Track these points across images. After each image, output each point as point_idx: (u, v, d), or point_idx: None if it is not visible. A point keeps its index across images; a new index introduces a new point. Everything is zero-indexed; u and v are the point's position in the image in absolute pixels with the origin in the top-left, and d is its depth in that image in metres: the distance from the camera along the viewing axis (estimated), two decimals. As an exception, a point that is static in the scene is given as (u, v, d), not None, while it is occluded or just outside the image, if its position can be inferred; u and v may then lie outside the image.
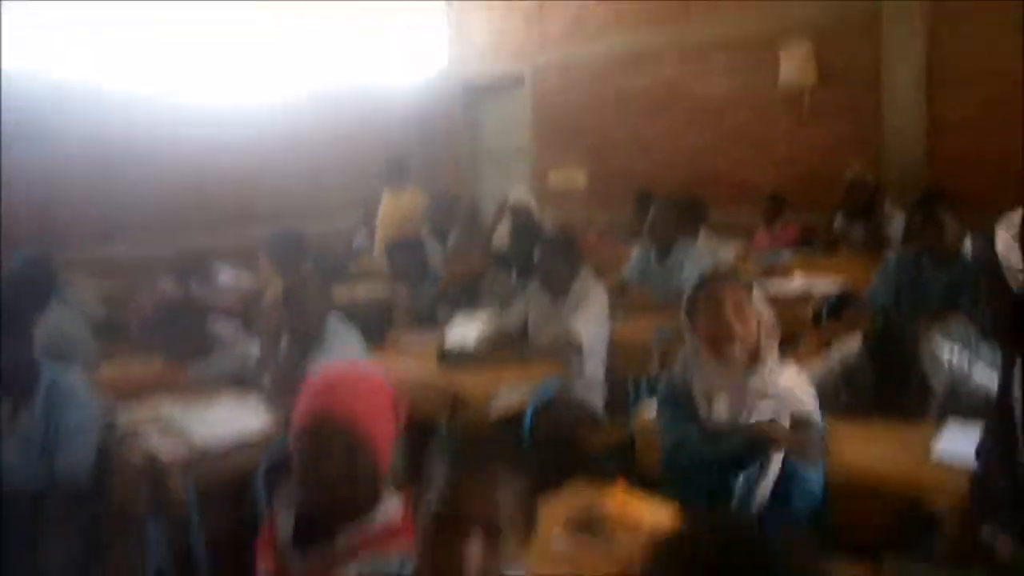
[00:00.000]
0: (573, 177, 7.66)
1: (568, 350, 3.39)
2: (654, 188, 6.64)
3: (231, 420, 2.75)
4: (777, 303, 3.99)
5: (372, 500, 1.65)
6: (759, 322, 2.10)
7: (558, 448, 3.13)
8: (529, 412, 3.12)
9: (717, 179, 6.55)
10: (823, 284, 4.40)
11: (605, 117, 7.41)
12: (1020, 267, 2.06)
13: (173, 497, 2.51)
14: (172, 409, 2.86)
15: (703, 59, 6.62)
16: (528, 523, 1.26)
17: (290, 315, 3.03)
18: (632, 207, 6.52)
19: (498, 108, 8.50)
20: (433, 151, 8.86)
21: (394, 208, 6.21)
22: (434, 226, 5.47)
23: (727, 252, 5.39)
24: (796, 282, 4.36)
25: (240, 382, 3.22)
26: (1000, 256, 3.13)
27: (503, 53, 8.23)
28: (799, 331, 3.65)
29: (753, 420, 2.06)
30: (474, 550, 1.17)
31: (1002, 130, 5.19)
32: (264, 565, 1.68)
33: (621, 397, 3.70)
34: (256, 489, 2.65)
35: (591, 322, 3.45)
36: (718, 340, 2.09)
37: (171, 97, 7.01)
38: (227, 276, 5.24)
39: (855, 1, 5.69)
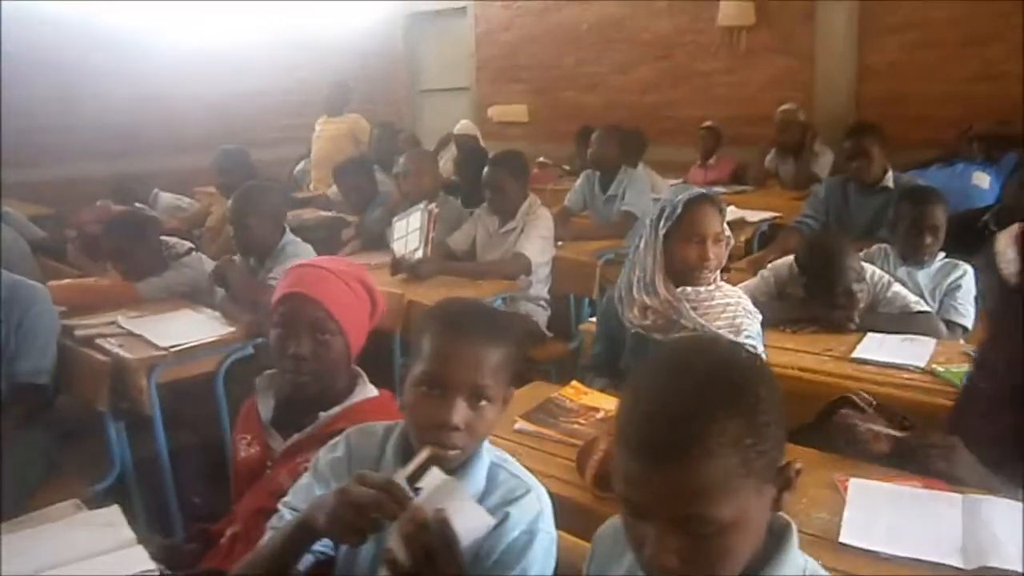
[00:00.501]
0: (515, 112, 7.72)
1: (510, 270, 3.51)
2: (597, 124, 6.77)
3: (190, 329, 2.80)
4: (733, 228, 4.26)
5: (346, 384, 1.77)
6: (726, 243, 2.25)
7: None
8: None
9: (658, 116, 6.71)
10: (755, 214, 4.63)
11: (549, 53, 7.48)
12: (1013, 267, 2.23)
13: (136, 396, 2.58)
14: (128, 320, 2.89)
15: (645, -2, 6.72)
16: (507, 389, 1.38)
17: (242, 229, 3.06)
18: (575, 141, 6.65)
19: (439, 41, 8.46)
20: (373, 82, 8.78)
21: (334, 131, 6.18)
22: (379, 156, 5.49)
23: (663, 185, 5.57)
24: (729, 212, 4.54)
25: (191, 298, 3.26)
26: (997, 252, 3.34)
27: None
28: (733, 255, 3.86)
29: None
30: (460, 409, 1.29)
31: (924, 76, 5.48)
32: (245, 442, 1.79)
33: (563, 314, 3.89)
34: (218, 390, 2.75)
35: (538, 244, 3.58)
36: (695, 266, 2.19)
37: (108, 19, 6.81)
38: (167, 199, 5.18)
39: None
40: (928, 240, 2.84)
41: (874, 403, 2.00)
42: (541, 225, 3.62)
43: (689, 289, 2.23)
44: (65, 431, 2.71)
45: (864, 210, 3.84)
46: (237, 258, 3.14)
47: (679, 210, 2.22)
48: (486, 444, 1.37)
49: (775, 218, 4.65)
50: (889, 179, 3.81)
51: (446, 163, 6.27)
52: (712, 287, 2.26)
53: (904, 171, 4.18)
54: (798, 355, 2.47)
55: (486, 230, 3.79)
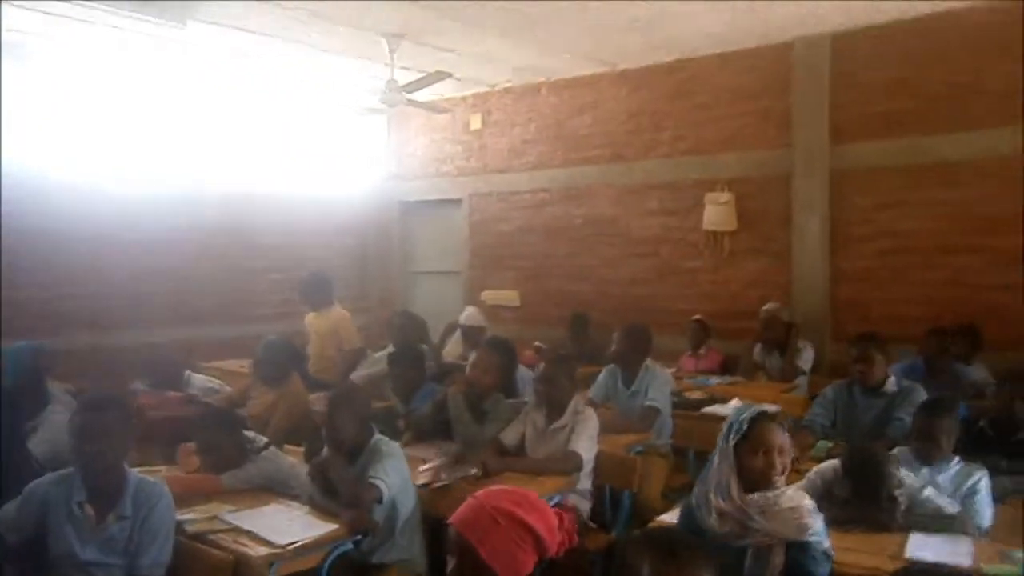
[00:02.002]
0: (507, 296, 8.20)
1: (567, 467, 3.80)
2: (589, 311, 7.31)
3: (295, 525, 2.99)
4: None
5: None
6: (788, 452, 2.62)
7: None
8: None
9: (647, 307, 7.24)
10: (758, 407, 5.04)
11: (541, 244, 8.08)
12: None
13: (256, 594, 2.73)
14: (231, 515, 3.07)
15: (637, 199, 7.42)
16: None
17: (337, 429, 3.31)
18: (568, 326, 7.12)
19: (432, 227, 9.03)
20: (368, 262, 9.25)
21: (322, 327, 6.27)
22: (397, 342, 5.80)
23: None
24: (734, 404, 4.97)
25: (268, 490, 3.45)
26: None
27: (442, 176, 8.84)
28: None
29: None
30: None
31: (893, 281, 6.16)
32: None
33: (598, 505, 4.16)
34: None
35: (588, 443, 3.90)
36: (763, 475, 2.53)
37: (103, 186, 7.10)
38: (199, 380, 5.36)
39: (771, 159, 6.64)
40: (943, 445, 3.26)
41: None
42: (590, 425, 3.95)
43: (757, 495, 2.57)
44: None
45: (869, 411, 4.28)
46: (327, 452, 3.37)
47: (745, 426, 2.60)
48: None
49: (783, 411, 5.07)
50: (891, 383, 4.29)
51: (451, 349, 6.62)
52: (779, 491, 2.60)
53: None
54: (858, 554, 2.80)
55: (534, 427, 4.09)
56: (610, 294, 7.56)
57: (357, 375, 5.67)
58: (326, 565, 2.94)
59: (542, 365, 4.19)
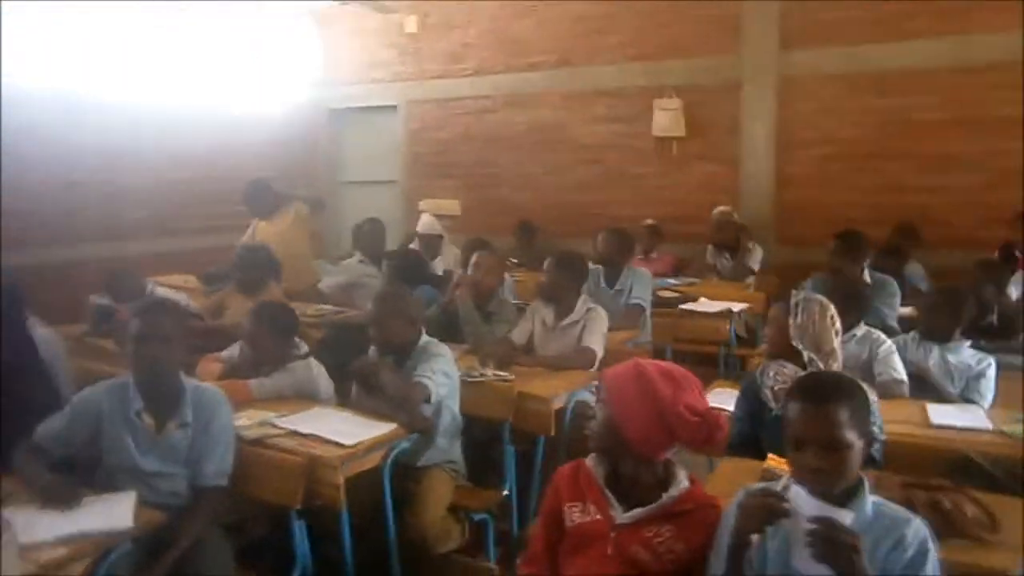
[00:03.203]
0: (447, 206, 8.10)
1: (583, 362, 3.90)
2: (533, 219, 7.36)
3: (354, 426, 2.95)
4: (705, 318, 4.87)
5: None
6: None
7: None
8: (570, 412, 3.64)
9: (593, 213, 7.34)
10: (726, 305, 5.28)
11: (482, 152, 7.98)
12: None
13: (330, 493, 2.70)
14: (283, 420, 2.99)
15: (583, 105, 7.42)
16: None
17: (385, 330, 3.25)
18: (514, 233, 7.15)
19: (364, 135, 8.75)
20: (291, 171, 8.88)
21: (277, 230, 5.96)
22: (368, 250, 5.69)
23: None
24: (716, 304, 5.20)
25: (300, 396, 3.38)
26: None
27: (375, 82, 8.53)
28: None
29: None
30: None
31: (835, 185, 6.48)
32: (577, 509, 2.05)
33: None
34: (386, 483, 2.92)
35: (600, 339, 3.99)
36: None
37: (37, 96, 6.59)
38: (164, 294, 5.10)
39: (720, 65, 6.76)
40: (950, 327, 3.54)
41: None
42: (601, 322, 4.05)
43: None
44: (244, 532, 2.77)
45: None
46: (373, 357, 3.32)
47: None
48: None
49: (748, 308, 5.34)
50: (866, 276, 4.57)
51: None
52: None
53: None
54: (889, 424, 3.03)
55: (543, 324, 4.14)
56: (555, 202, 7.61)
57: (328, 283, 5.53)
58: (387, 464, 2.93)
59: (547, 264, 4.23)
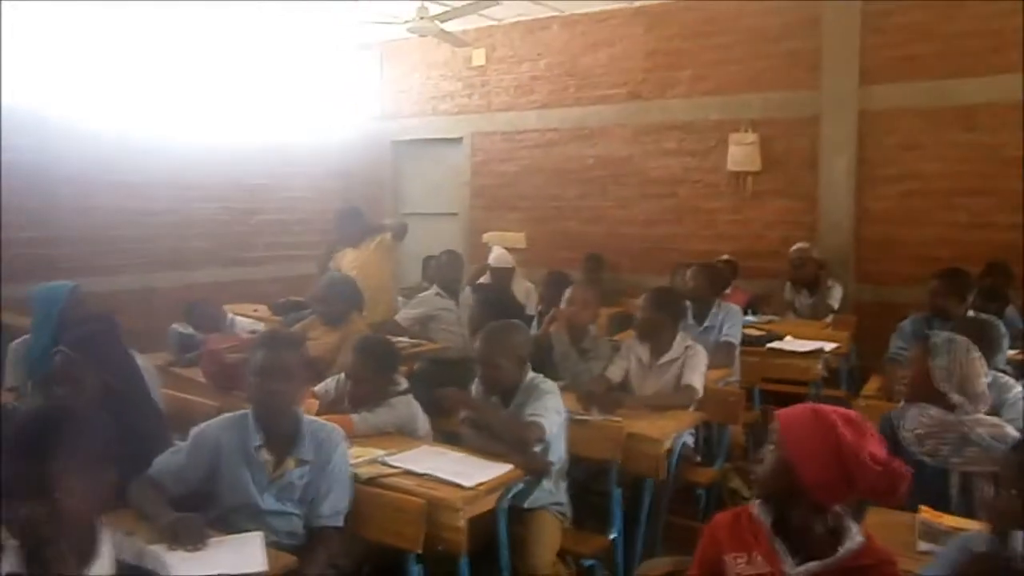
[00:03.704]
0: (512, 239, 8.02)
1: (684, 401, 3.77)
2: (602, 253, 7.27)
3: (470, 467, 2.85)
4: (795, 357, 4.72)
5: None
6: None
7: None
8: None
9: (663, 247, 7.24)
10: (816, 344, 5.12)
11: (549, 185, 7.93)
12: None
13: (451, 536, 2.60)
14: (395, 458, 2.90)
15: (654, 139, 7.34)
16: None
17: (493, 368, 3.16)
18: (582, 266, 7.07)
19: (428, 167, 8.75)
20: (354, 202, 8.89)
21: (364, 259, 5.89)
22: (444, 282, 5.62)
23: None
24: (806, 343, 5.04)
25: (401, 432, 3.29)
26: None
27: (439, 114, 8.54)
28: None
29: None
30: None
31: (916, 221, 6.31)
32: (743, 559, 1.93)
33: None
34: (501, 525, 2.81)
35: (700, 377, 3.87)
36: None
37: (106, 127, 6.70)
38: (243, 324, 5.08)
39: (797, 100, 6.66)
40: None
41: None
42: (701, 360, 3.92)
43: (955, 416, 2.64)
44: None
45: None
46: (476, 392, 3.23)
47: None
48: None
49: (837, 348, 5.17)
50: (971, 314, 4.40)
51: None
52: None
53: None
54: None
55: (639, 362, 4.03)
56: (624, 235, 7.51)
57: (405, 316, 5.46)
58: (504, 506, 2.82)
59: (644, 301, 4.12)
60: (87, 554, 1.74)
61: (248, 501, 2.54)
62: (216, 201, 7.65)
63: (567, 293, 4.31)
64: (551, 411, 3.09)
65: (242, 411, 2.65)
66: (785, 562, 1.89)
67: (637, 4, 7.28)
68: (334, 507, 2.59)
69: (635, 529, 3.47)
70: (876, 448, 1.91)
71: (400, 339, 5.17)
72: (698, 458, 4.00)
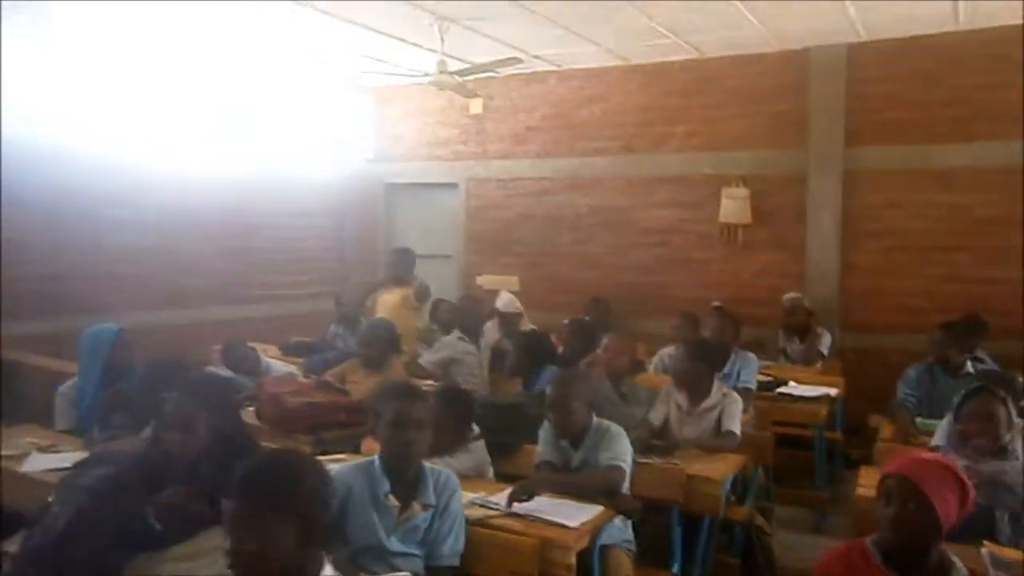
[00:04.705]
0: (506, 282, 8.27)
1: (729, 446, 4.05)
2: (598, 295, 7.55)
3: (566, 508, 3.06)
4: (804, 402, 5.05)
5: None
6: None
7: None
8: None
9: (655, 295, 7.58)
10: (821, 389, 5.48)
11: (543, 231, 8.21)
12: None
13: (558, 573, 2.80)
14: (480, 499, 3.09)
15: (647, 190, 7.71)
16: None
17: (566, 413, 3.39)
18: (587, 310, 7.31)
19: (422, 210, 8.95)
20: (347, 243, 9.06)
21: (393, 300, 6.14)
22: (464, 325, 5.83)
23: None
24: (814, 388, 5.39)
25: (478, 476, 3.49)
26: None
27: (434, 159, 8.78)
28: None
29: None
30: None
31: (898, 274, 6.79)
32: None
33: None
34: (595, 564, 3.03)
35: (738, 423, 4.16)
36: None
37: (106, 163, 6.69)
38: (279, 367, 5.18)
39: (785, 158, 7.11)
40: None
41: None
42: (738, 407, 4.21)
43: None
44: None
45: (951, 391, 4.77)
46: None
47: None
48: None
49: (839, 393, 5.55)
50: (969, 366, 4.81)
51: (487, 336, 6.65)
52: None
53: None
54: None
55: (678, 408, 4.30)
56: (617, 281, 7.82)
57: (428, 359, 5.64)
58: (597, 547, 3.04)
59: (679, 350, 4.40)
60: None
61: (376, 543, 2.70)
62: (212, 239, 7.67)
63: (605, 340, 4.56)
64: (627, 453, 3.34)
65: (368, 458, 2.82)
66: None
67: (633, 62, 7.66)
68: (453, 548, 2.77)
69: (692, 564, 3.70)
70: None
71: (426, 382, 5.37)
72: (733, 497, 4.27)
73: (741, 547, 4.16)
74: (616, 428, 3.45)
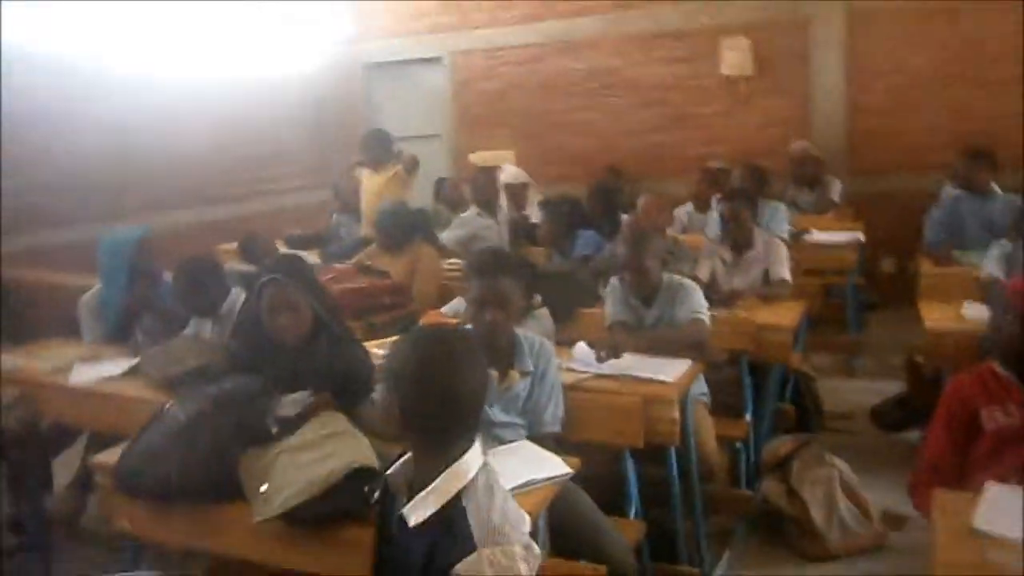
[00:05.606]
0: (501, 157, 8.01)
1: (783, 292, 4.02)
2: (597, 164, 7.38)
3: (650, 364, 3.00)
4: (832, 248, 5.03)
5: None
6: None
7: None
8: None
9: (659, 155, 7.42)
10: (848, 235, 5.46)
11: (536, 101, 7.91)
12: None
13: (668, 429, 2.77)
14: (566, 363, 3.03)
15: (642, 48, 7.42)
16: None
17: (641, 272, 3.30)
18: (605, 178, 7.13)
19: (403, 89, 8.57)
20: (327, 128, 8.68)
21: (379, 184, 5.91)
22: (479, 199, 5.66)
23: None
24: (842, 235, 5.37)
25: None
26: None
27: (414, 34, 8.33)
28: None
29: None
30: None
31: (908, 113, 6.69)
32: (1000, 411, 2.22)
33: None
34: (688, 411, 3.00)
35: (787, 270, 4.12)
36: None
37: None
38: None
39: (786, 3, 6.85)
40: None
41: None
42: (784, 252, 4.19)
43: None
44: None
45: (986, 213, 4.78)
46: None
47: None
48: None
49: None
50: (995, 188, 4.81)
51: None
52: None
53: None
54: None
55: (722, 261, 4.25)
56: (618, 146, 7.62)
57: (448, 237, 5.48)
58: (689, 397, 3.00)
59: (722, 202, 4.32)
60: None
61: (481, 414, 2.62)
62: (193, 137, 7.29)
63: (639, 202, 4.46)
64: (704, 306, 3.29)
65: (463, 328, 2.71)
66: None
67: (618, -91, 7.23)
68: (554, 414, 2.71)
69: (761, 412, 3.73)
70: None
71: (453, 260, 5.25)
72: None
73: (792, 394, 4.21)
74: (689, 283, 3.38)
